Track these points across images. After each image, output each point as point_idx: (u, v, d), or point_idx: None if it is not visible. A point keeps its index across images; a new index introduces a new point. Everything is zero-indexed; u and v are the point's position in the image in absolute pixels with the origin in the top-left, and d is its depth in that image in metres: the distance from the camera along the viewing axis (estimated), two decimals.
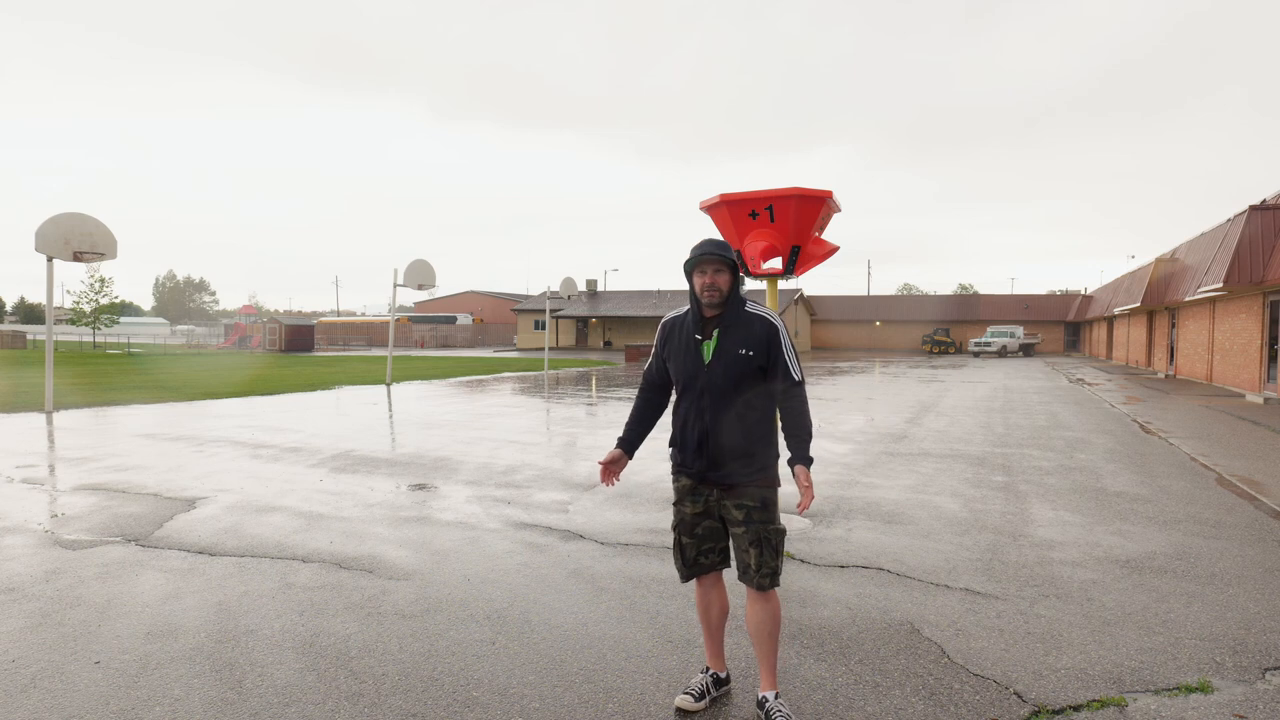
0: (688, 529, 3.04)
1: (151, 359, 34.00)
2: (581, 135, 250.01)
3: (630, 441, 3.15)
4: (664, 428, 3.14)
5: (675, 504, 3.09)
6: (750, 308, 2.98)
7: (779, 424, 3.01)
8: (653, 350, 3.15)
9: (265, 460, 8.39)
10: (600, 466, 3.10)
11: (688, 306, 3.05)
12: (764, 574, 2.93)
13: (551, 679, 3.27)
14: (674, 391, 3.12)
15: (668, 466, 3.17)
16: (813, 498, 2.83)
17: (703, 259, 2.87)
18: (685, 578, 3.10)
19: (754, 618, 2.99)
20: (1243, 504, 6.59)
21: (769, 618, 2.98)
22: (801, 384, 2.97)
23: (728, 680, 3.18)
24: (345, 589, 4.33)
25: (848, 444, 9.87)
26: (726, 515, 2.97)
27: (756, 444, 2.94)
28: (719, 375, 2.89)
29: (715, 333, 2.92)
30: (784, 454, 2.98)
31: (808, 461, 2.89)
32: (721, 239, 2.97)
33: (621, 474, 3.25)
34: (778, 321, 2.98)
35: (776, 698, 2.96)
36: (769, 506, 2.95)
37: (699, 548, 3.04)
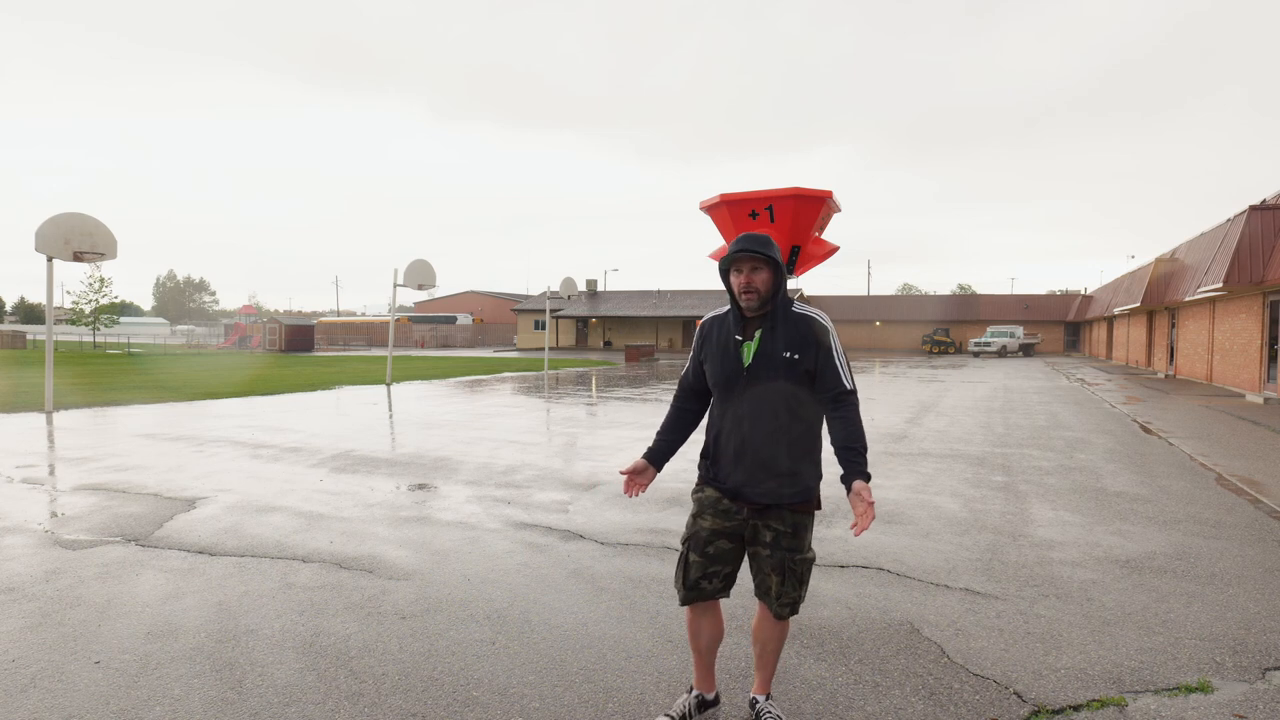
0: (699, 545, 2.78)
1: (151, 359, 33.98)
2: (581, 135, 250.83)
3: (659, 453, 2.91)
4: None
5: (693, 515, 2.84)
6: (798, 307, 2.73)
7: (826, 439, 2.79)
8: (691, 353, 2.93)
9: (265, 460, 8.39)
10: (624, 476, 2.88)
11: (728, 307, 2.84)
12: (784, 604, 2.74)
13: (551, 679, 3.27)
14: (711, 398, 2.90)
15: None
16: (873, 518, 2.52)
17: (739, 256, 2.64)
18: (684, 600, 2.82)
19: (762, 633, 2.88)
20: (1243, 504, 6.59)
21: (776, 636, 2.87)
22: (854, 393, 2.71)
23: (715, 702, 3.01)
24: (345, 589, 4.33)
25: None
26: (752, 536, 2.75)
27: (800, 460, 2.70)
28: (760, 380, 2.66)
29: (758, 334, 2.69)
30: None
31: (866, 476, 2.59)
32: (764, 235, 2.72)
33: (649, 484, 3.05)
34: (828, 322, 2.73)
35: (768, 699, 2.94)
36: (800, 533, 2.73)
37: (705, 569, 2.77)
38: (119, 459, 8.34)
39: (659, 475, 7.36)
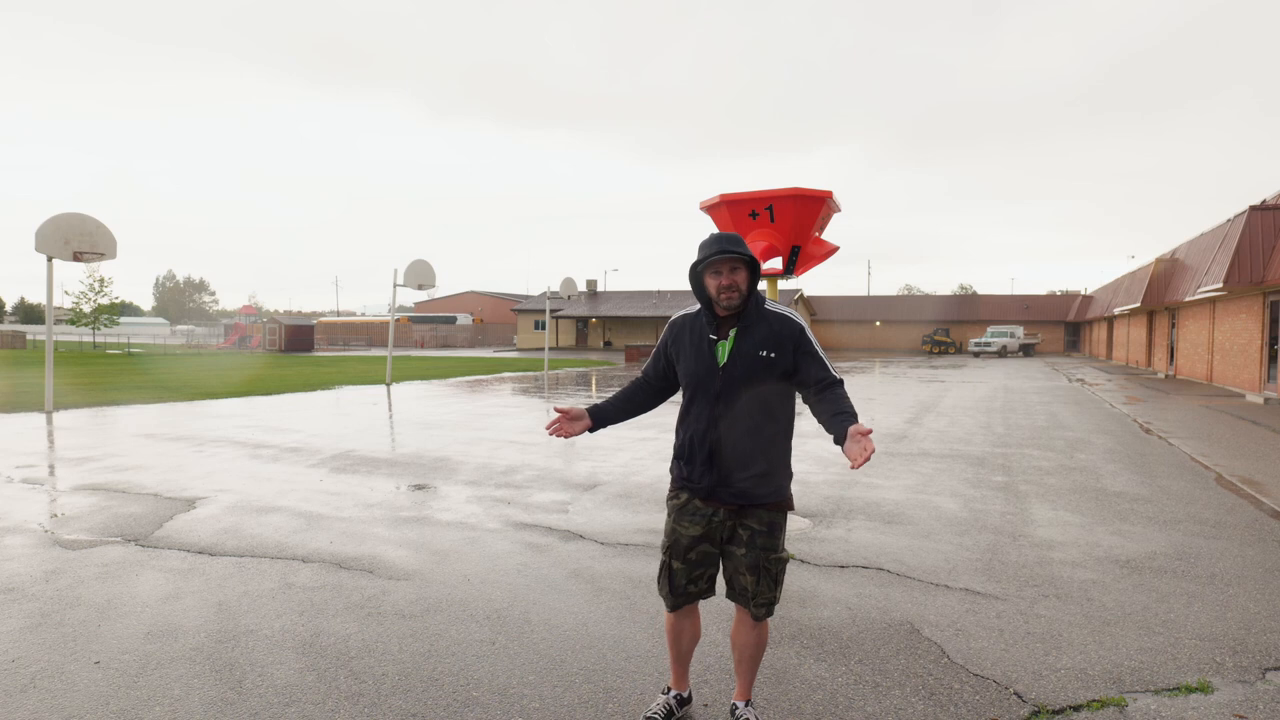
0: (681, 552, 2.77)
1: (151, 359, 33.98)
2: (581, 134, 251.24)
3: (603, 414, 2.90)
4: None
5: (672, 522, 2.81)
6: (770, 305, 2.74)
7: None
8: (654, 350, 2.92)
9: (265, 460, 8.39)
10: (558, 413, 2.83)
11: (699, 306, 2.83)
12: (759, 604, 2.75)
13: (551, 679, 3.27)
14: (682, 397, 2.88)
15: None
16: (873, 450, 2.33)
17: (719, 259, 2.61)
18: (673, 606, 2.84)
19: (741, 638, 2.87)
20: (1243, 504, 6.59)
21: (755, 641, 2.85)
22: (842, 382, 2.68)
23: (689, 700, 3.04)
24: (345, 589, 4.33)
25: None
26: (728, 536, 2.75)
27: (774, 460, 2.70)
28: (736, 379, 2.64)
29: (732, 333, 2.68)
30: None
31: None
32: (733, 233, 2.72)
33: (577, 445, 3.03)
34: (801, 320, 2.73)
35: (748, 705, 2.91)
36: (775, 532, 2.74)
37: (690, 574, 2.78)
38: (119, 459, 8.34)
39: (657, 476, 7.37)
